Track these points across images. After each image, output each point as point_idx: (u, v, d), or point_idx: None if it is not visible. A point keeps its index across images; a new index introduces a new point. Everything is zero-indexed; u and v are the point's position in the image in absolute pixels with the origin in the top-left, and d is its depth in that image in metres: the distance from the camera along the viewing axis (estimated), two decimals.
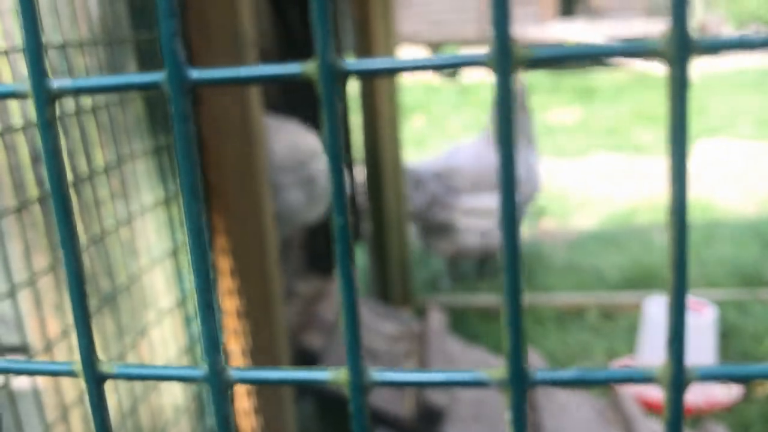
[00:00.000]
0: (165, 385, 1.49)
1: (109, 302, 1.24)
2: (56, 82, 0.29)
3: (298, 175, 2.41)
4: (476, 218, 4.46)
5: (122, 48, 1.38)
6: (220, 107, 1.56)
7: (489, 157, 4.48)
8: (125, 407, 1.38)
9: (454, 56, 0.29)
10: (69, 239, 0.30)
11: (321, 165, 2.53)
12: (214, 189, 1.59)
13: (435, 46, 13.08)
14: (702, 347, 3.30)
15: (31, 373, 0.34)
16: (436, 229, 4.44)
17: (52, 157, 0.29)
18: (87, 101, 1.28)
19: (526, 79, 4.31)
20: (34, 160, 1.39)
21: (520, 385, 0.28)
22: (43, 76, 0.29)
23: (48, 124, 0.29)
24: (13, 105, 1.34)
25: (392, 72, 0.29)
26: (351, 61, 0.28)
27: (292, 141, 2.46)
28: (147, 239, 1.44)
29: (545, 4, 13.96)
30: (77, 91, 0.29)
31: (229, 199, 1.59)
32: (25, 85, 0.29)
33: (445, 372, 0.27)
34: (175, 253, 1.42)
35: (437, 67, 0.29)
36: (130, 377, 0.31)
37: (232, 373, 0.30)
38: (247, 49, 1.56)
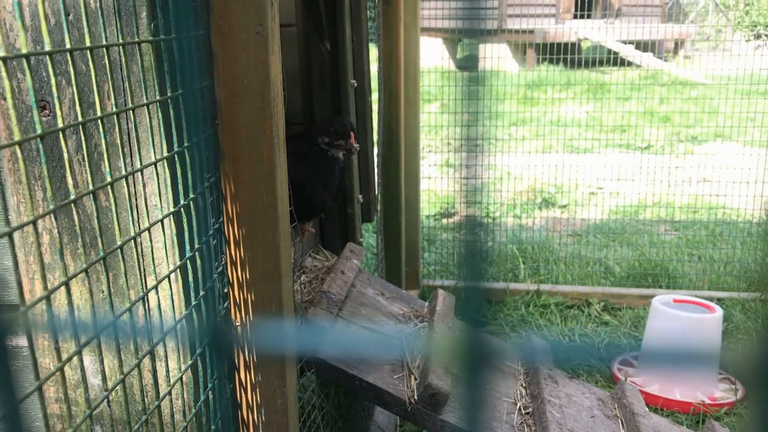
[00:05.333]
0: (158, 356, 1.40)
1: (104, 261, 1.13)
2: None
3: None
4: None
5: None
6: (239, 68, 1.46)
7: None
8: (113, 378, 1.28)
9: None
10: None
11: None
12: (226, 154, 1.49)
13: (453, 38, 13.01)
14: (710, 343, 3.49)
15: None
16: None
17: None
18: (88, 39, 1.17)
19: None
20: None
21: None
22: None
23: None
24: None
25: None
26: None
27: None
28: (149, 198, 1.34)
29: (564, 3, 14.00)
30: None
31: (242, 165, 1.49)
32: None
33: None
34: (178, 216, 1.32)
35: None
36: None
37: None
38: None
